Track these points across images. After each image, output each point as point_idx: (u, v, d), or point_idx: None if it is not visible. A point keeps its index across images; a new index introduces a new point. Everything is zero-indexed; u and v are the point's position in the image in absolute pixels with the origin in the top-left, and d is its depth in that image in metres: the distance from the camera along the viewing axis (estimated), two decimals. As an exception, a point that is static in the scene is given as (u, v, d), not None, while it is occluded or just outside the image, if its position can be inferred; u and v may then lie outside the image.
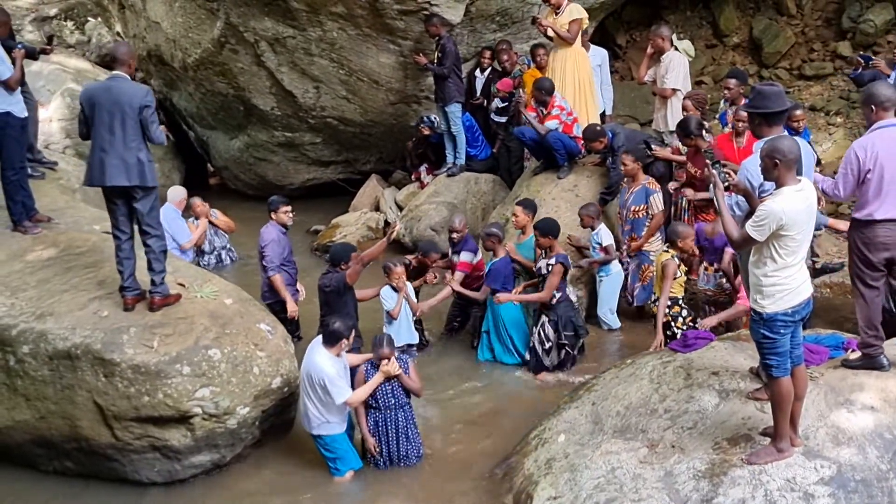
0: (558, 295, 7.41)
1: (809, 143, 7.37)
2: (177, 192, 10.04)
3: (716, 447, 5.06)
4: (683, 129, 7.94)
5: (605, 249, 7.99)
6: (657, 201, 7.97)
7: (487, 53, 10.74)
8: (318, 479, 6.24)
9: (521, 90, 9.75)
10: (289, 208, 8.17)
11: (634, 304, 8.30)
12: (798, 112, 8.12)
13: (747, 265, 4.84)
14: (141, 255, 6.46)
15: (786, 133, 5.28)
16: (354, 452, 6.30)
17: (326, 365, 6.03)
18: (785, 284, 4.57)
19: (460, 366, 7.88)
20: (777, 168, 4.53)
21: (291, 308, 7.87)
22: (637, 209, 7.99)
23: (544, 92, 9.04)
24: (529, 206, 8.11)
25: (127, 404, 5.98)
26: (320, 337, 6.25)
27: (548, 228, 7.46)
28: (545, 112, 9.04)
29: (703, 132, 7.95)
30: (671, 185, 8.31)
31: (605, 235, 8.01)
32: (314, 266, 9.83)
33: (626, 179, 8.27)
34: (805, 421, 4.99)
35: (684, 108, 8.37)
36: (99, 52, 14.11)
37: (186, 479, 6.25)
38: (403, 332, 7.52)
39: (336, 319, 6.27)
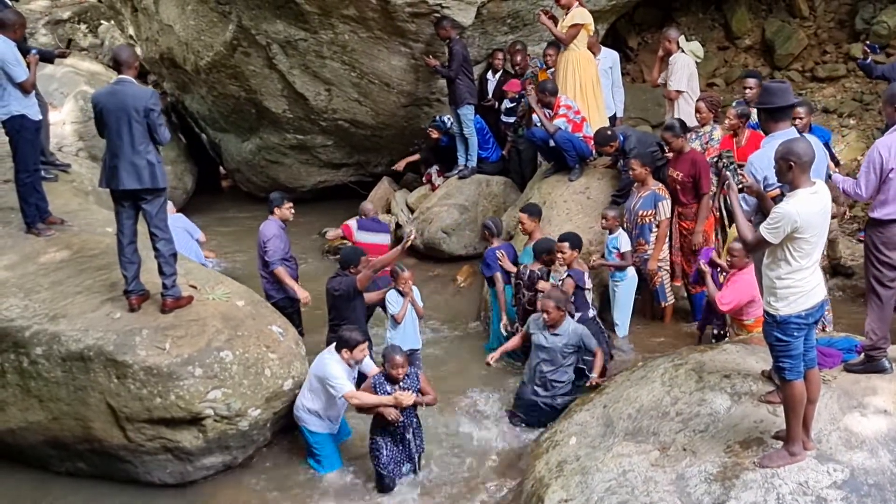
0: (577, 315, 7.18)
1: (828, 144, 7.32)
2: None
3: (728, 450, 5.05)
4: (670, 130, 7.90)
5: (623, 255, 7.90)
6: (665, 208, 7.82)
7: (500, 55, 10.74)
8: (329, 481, 6.25)
9: (529, 88, 9.72)
10: (290, 203, 8.10)
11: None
12: (800, 109, 7.66)
13: (761, 268, 4.83)
14: (149, 257, 6.49)
15: (794, 130, 5.28)
16: (338, 456, 6.40)
17: (335, 368, 6.11)
18: (798, 287, 4.54)
19: (469, 366, 7.85)
20: (792, 170, 4.51)
21: (303, 295, 7.74)
22: (645, 214, 7.90)
23: (548, 93, 9.02)
24: (534, 211, 8.08)
25: (139, 406, 6.01)
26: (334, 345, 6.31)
27: (576, 242, 7.38)
28: (551, 114, 9.03)
29: (687, 134, 7.94)
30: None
31: (624, 242, 7.87)
32: (326, 269, 9.83)
33: (635, 184, 8.23)
34: (818, 424, 4.97)
35: (697, 111, 8.30)
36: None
37: (198, 480, 6.28)
38: (408, 337, 7.44)
39: (350, 328, 6.33)
